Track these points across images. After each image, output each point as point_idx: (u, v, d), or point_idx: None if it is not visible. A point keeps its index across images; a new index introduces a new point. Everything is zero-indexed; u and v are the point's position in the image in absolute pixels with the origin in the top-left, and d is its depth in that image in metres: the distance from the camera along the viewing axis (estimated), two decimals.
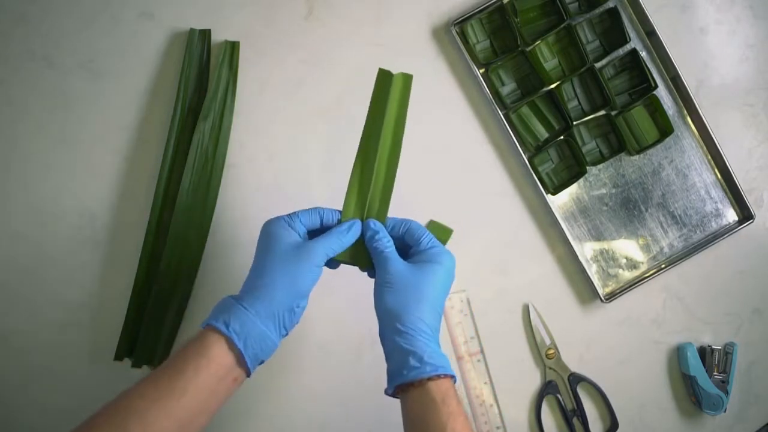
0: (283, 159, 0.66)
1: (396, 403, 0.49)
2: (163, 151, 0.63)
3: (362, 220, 0.53)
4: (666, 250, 0.69)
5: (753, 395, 0.70)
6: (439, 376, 0.46)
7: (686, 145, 0.70)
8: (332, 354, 0.65)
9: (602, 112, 0.68)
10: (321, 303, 0.63)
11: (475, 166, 0.68)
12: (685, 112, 0.70)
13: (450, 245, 0.66)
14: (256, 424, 0.64)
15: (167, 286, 0.61)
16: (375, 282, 0.51)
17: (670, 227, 0.69)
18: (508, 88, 0.68)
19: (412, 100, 0.55)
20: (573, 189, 0.68)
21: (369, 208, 0.54)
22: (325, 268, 0.51)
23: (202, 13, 0.65)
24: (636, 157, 0.69)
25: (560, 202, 0.68)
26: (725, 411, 0.67)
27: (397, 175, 0.54)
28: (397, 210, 0.55)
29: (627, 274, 0.69)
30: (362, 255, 0.53)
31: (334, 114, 0.66)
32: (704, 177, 0.70)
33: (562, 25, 0.66)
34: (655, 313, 0.69)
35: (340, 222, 0.52)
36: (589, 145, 0.69)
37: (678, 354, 0.69)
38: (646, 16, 0.67)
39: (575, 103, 0.69)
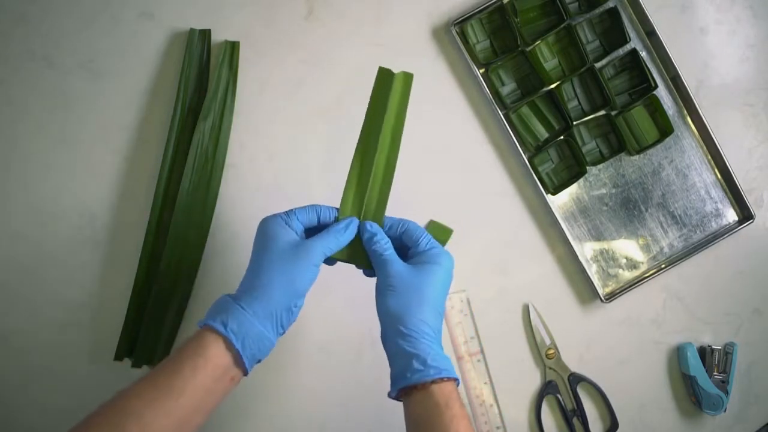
0: (283, 159, 0.66)
1: (396, 403, 0.49)
2: (163, 151, 0.63)
3: (360, 219, 0.53)
4: (666, 250, 0.69)
5: (753, 395, 0.70)
6: (442, 379, 0.46)
7: (686, 145, 0.70)
8: (332, 354, 0.65)
9: (602, 112, 0.68)
10: (320, 303, 0.63)
11: (475, 166, 0.68)
12: (685, 112, 0.70)
13: (450, 245, 0.66)
14: (256, 424, 0.64)
15: (167, 286, 0.61)
16: (376, 285, 0.51)
17: (670, 227, 0.69)
18: (508, 88, 0.68)
19: (412, 100, 0.55)
20: (573, 189, 0.68)
21: (366, 207, 0.53)
22: (322, 266, 0.50)
23: (202, 13, 0.65)
24: (636, 157, 0.69)
25: (560, 202, 0.68)
26: (725, 411, 0.67)
27: (397, 175, 0.54)
28: (396, 210, 0.55)
29: (627, 274, 0.69)
30: (360, 254, 0.52)
31: (334, 114, 0.66)
32: (704, 177, 0.70)
33: (562, 25, 0.66)
34: (655, 313, 0.69)
35: (337, 220, 0.52)
36: (589, 145, 0.69)
37: (678, 354, 0.69)
38: (646, 16, 0.67)
39: (575, 103, 0.69)
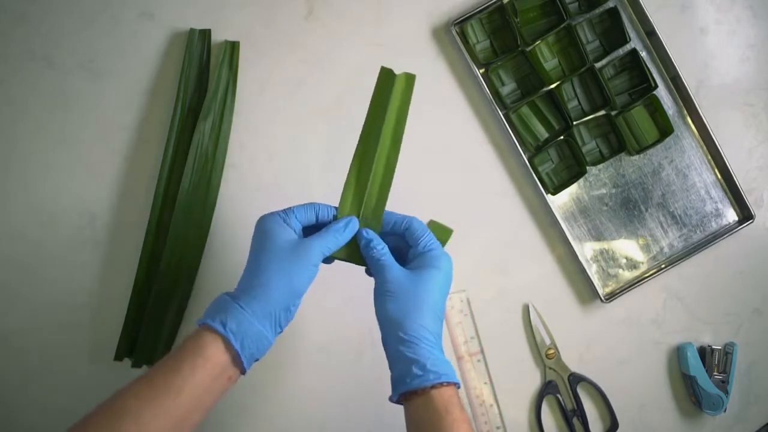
0: (283, 159, 0.66)
1: (396, 404, 0.49)
2: (163, 151, 0.63)
3: (358, 217, 0.53)
4: (666, 250, 0.69)
5: (753, 395, 0.70)
6: (442, 384, 0.46)
7: (686, 145, 0.70)
8: (332, 354, 0.65)
9: (602, 112, 0.68)
10: (320, 303, 0.63)
11: (475, 166, 0.68)
12: (685, 112, 0.70)
13: (450, 245, 0.66)
14: (256, 424, 0.64)
15: (167, 286, 0.61)
16: (374, 289, 0.50)
17: (670, 227, 0.69)
18: (508, 88, 0.68)
19: (412, 100, 0.55)
20: (573, 189, 0.68)
21: (366, 206, 0.53)
22: (321, 266, 0.50)
23: (202, 13, 0.65)
24: (636, 157, 0.69)
25: (560, 202, 0.68)
26: (725, 411, 0.67)
27: (397, 174, 0.54)
28: (396, 210, 0.55)
29: (627, 274, 0.69)
30: (359, 253, 0.52)
31: (334, 114, 0.66)
32: (704, 177, 0.70)
33: (562, 25, 0.66)
34: (655, 313, 0.69)
35: (336, 218, 0.52)
36: (589, 145, 0.69)
37: (678, 354, 0.69)
38: (646, 16, 0.67)
39: (575, 103, 0.69)
